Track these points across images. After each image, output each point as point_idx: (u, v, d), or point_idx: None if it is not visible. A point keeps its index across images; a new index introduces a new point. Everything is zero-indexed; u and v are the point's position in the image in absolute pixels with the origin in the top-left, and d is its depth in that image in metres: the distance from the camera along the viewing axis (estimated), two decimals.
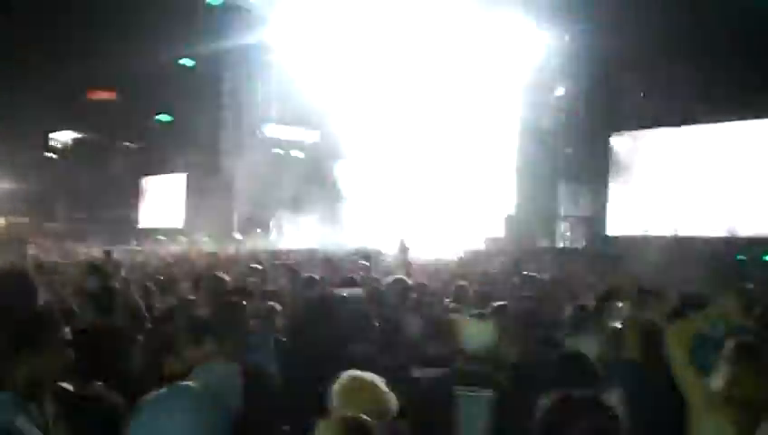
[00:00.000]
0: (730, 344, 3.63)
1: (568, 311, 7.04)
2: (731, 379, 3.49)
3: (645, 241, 22.17)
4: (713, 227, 21.64)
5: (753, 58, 20.34)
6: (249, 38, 37.32)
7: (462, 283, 8.85)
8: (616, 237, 23.91)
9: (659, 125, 23.92)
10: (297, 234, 31.91)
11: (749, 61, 20.46)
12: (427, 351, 5.65)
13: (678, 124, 23.56)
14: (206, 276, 7.79)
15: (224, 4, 39.11)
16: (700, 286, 10.15)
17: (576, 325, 6.40)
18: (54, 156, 51.95)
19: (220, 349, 4.03)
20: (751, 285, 10.32)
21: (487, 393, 4.34)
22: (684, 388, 3.63)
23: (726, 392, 3.48)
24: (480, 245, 25.28)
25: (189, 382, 3.19)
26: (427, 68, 29.34)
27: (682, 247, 19.91)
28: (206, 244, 33.02)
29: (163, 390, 2.94)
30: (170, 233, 40.81)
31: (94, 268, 8.24)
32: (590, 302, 7.27)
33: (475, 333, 4.72)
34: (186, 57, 42.03)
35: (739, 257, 18.78)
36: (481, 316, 4.91)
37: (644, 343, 4.74)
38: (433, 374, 4.76)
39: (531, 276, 10.71)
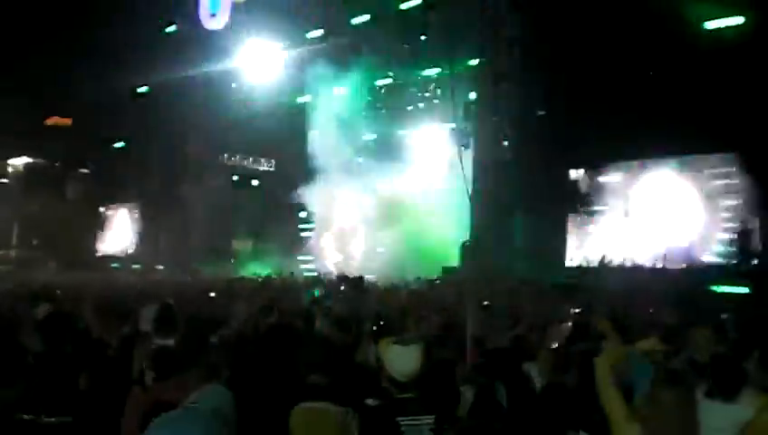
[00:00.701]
0: (659, 370, 4.39)
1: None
2: (652, 399, 4.01)
3: (603, 271, 22.51)
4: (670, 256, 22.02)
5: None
6: (206, 66, 37.39)
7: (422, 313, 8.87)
8: (575, 267, 24.15)
9: (615, 159, 24.32)
10: (256, 262, 31.82)
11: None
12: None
13: (635, 158, 23.99)
14: (165, 305, 7.70)
15: (179, 31, 39.14)
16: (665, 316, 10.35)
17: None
18: (8, 181, 51.25)
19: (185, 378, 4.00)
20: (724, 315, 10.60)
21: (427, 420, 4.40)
22: (606, 405, 4.26)
23: (645, 410, 4.04)
24: (437, 274, 25.38)
25: (197, 405, 3.15)
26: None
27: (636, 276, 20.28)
28: (162, 272, 32.81)
29: (175, 412, 2.90)
30: (126, 261, 40.48)
31: (39, 296, 8.12)
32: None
33: (398, 358, 4.76)
34: (142, 85, 41.84)
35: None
36: (406, 342, 4.94)
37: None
38: (377, 404, 4.78)
39: (486, 306, 10.77)
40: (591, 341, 6.79)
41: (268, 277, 25.23)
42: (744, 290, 18.37)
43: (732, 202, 22.41)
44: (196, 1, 36.80)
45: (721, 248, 22.33)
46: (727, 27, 22.01)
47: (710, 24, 22.25)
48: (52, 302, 7.90)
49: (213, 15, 36.12)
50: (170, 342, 6.56)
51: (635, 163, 24.41)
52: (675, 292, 16.52)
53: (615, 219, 24.39)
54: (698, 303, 13.98)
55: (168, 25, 39.83)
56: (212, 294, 15.41)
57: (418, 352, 4.86)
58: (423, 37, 29.99)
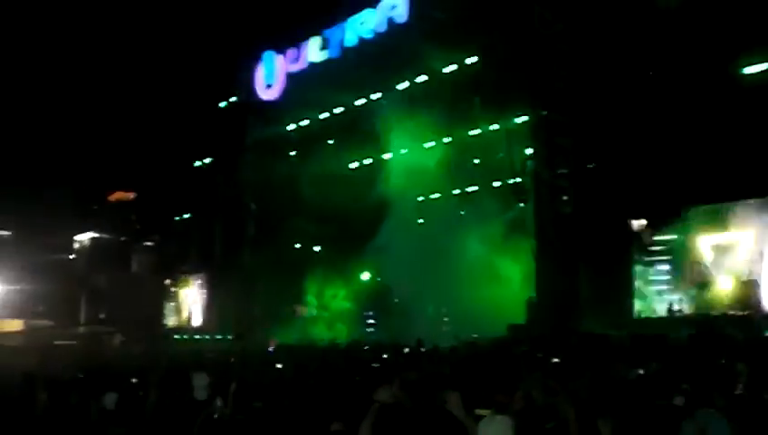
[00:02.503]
0: None
1: None
2: None
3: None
4: None
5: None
6: (264, 134, 38.12)
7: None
8: (642, 319, 23.78)
9: (676, 207, 24.03)
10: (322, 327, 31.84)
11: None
12: None
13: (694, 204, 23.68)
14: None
15: (235, 103, 40.02)
16: None
17: None
18: (74, 257, 52.32)
19: None
20: None
21: None
22: None
23: None
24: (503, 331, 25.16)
25: None
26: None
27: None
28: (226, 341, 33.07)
29: None
30: (192, 332, 40.91)
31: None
32: None
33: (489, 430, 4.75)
34: (203, 157, 42.74)
35: None
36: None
37: None
38: None
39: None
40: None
41: (333, 342, 25.28)
42: None
43: None
44: (251, 73, 37.61)
45: None
46: None
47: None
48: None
49: (269, 86, 36.86)
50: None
51: (699, 209, 24.03)
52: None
53: (680, 269, 23.99)
54: None
55: (227, 98, 40.72)
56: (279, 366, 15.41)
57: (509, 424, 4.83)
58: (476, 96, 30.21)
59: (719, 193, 22.46)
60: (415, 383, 8.34)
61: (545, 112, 25.80)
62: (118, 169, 46.17)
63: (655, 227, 24.77)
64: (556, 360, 13.69)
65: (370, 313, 35.08)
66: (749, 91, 21.05)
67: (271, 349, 30.29)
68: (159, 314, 46.31)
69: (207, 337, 37.41)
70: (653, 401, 7.67)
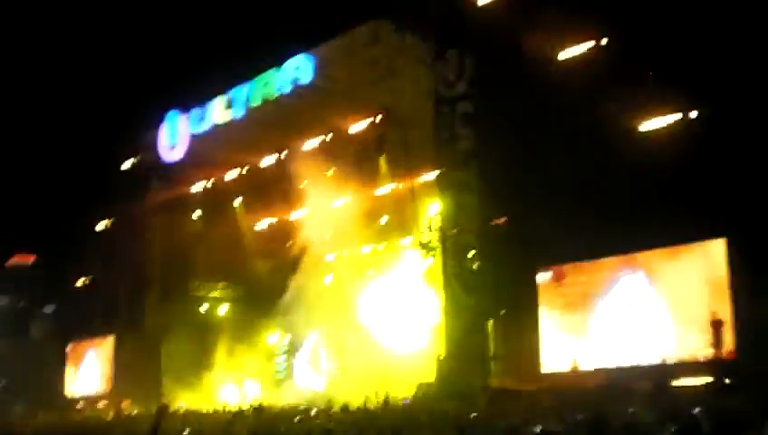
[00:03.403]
0: None
1: None
2: None
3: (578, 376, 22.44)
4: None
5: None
6: (166, 195, 37.67)
7: None
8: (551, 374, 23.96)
9: (582, 258, 24.47)
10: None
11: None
12: None
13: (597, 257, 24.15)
14: None
15: (138, 164, 39.51)
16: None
17: None
18: None
19: None
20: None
21: None
22: None
23: None
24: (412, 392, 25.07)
25: None
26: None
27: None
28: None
29: None
30: (93, 399, 39.72)
31: None
32: None
33: None
34: (103, 218, 41.92)
35: None
36: None
37: None
38: None
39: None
40: None
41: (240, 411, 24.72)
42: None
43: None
44: (155, 133, 37.15)
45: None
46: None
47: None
48: None
49: (172, 147, 36.45)
50: None
51: (601, 261, 24.47)
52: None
53: (585, 321, 24.33)
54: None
55: (127, 159, 40.08)
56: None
57: None
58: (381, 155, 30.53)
59: (624, 244, 22.99)
60: None
61: (449, 170, 26.13)
62: (16, 233, 44.79)
63: (561, 278, 25.13)
64: (474, 414, 13.70)
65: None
66: (650, 145, 21.70)
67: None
68: (61, 381, 44.74)
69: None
70: None
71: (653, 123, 22.66)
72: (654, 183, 21.26)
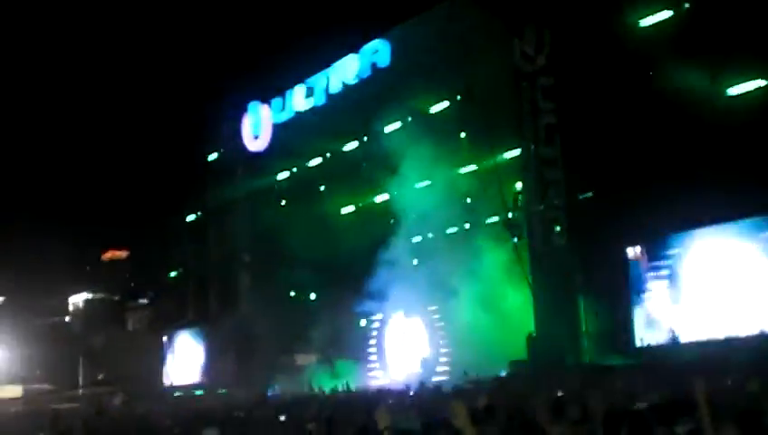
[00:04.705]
0: None
1: None
2: None
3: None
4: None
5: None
6: (253, 185, 38.24)
7: None
8: (646, 347, 23.59)
9: (671, 231, 23.94)
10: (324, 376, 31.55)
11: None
12: None
13: (692, 227, 23.56)
14: None
15: (223, 155, 40.16)
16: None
17: None
18: (69, 319, 52.08)
19: None
20: None
21: None
22: None
23: None
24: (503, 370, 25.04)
25: None
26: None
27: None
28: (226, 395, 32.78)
29: None
30: (190, 387, 40.63)
31: None
32: None
33: None
34: (192, 212, 42.78)
35: None
36: None
37: None
38: None
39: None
40: None
41: (334, 391, 25.03)
42: None
43: None
44: (238, 125, 37.73)
45: None
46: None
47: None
48: None
49: (256, 137, 36.98)
50: None
51: (693, 232, 23.88)
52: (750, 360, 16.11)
53: (679, 294, 23.84)
54: None
55: (213, 151, 40.82)
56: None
57: None
58: (462, 134, 30.35)
59: (713, 215, 22.41)
60: None
61: (533, 146, 25.87)
62: (110, 228, 46.14)
63: (651, 252, 24.68)
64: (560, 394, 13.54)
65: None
66: (737, 111, 21.15)
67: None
68: (158, 371, 45.90)
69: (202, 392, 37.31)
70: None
71: (739, 88, 22.09)
72: (745, 149, 20.69)
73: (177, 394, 40.13)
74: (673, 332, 23.02)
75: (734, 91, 22.12)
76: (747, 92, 21.95)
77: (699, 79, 21.73)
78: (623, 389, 13.76)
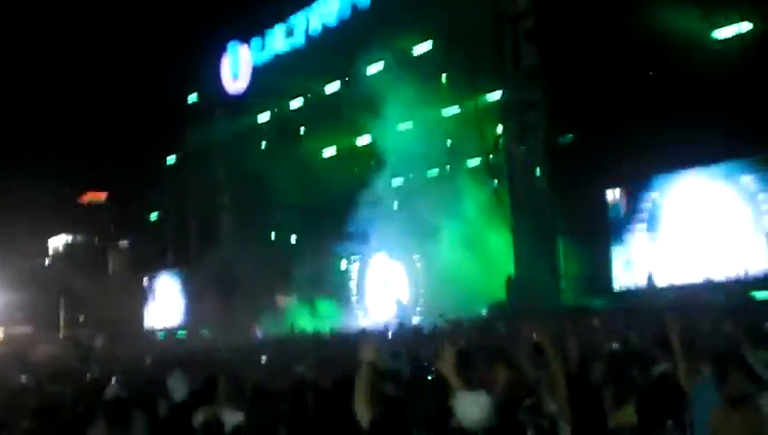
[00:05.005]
0: None
1: None
2: None
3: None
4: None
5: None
6: (233, 127, 37.95)
7: None
8: (624, 291, 23.85)
9: (651, 174, 24.03)
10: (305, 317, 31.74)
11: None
12: None
13: (672, 170, 23.64)
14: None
15: (200, 98, 39.80)
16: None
17: None
18: (49, 261, 51.94)
19: None
20: None
21: None
22: None
23: None
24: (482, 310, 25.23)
25: None
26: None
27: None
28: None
29: None
30: (172, 329, 40.78)
31: None
32: None
33: (467, 406, 4.73)
34: (171, 154, 42.53)
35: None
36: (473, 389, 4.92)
37: None
38: None
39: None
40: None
41: (317, 333, 25.17)
42: None
43: None
44: (217, 65, 37.33)
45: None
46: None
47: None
48: None
49: (235, 78, 36.62)
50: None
51: (673, 176, 23.96)
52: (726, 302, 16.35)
53: (657, 237, 24.02)
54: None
55: (191, 93, 40.44)
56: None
57: (486, 400, 4.80)
58: (444, 76, 30.16)
59: (693, 158, 22.50)
60: None
61: (514, 90, 25.78)
62: (88, 171, 45.76)
63: (631, 195, 24.79)
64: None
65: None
66: (721, 54, 21.12)
67: (259, 334, 30.32)
68: (139, 314, 46.01)
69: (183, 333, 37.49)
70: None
71: (723, 32, 22.01)
72: (727, 94, 20.69)
73: (160, 336, 40.38)
74: (651, 274, 23.26)
75: (718, 34, 22.05)
76: (733, 36, 21.90)
77: (682, 21, 21.64)
78: (600, 330, 14.00)
